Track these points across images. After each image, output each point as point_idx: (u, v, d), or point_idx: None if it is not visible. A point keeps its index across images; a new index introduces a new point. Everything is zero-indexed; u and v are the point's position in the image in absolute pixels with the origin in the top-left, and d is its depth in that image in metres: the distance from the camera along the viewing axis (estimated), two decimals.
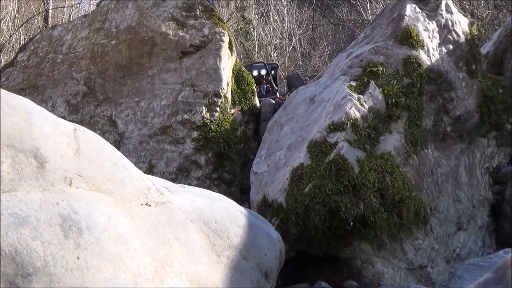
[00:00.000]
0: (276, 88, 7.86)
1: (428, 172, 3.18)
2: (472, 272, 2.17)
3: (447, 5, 3.59)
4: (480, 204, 3.53)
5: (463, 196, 3.41)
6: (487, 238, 3.48)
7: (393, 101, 3.08)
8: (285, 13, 16.32)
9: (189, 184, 3.30)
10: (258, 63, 8.95)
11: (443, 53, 3.42)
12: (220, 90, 3.79)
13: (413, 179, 3.00)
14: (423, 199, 2.97)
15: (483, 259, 2.35)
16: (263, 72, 7.58)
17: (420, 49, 3.27)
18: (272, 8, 16.33)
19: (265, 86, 7.41)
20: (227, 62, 3.98)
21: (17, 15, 10.88)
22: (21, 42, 10.03)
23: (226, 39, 3.98)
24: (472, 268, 2.21)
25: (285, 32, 15.93)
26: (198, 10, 4.10)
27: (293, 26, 16.01)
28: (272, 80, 7.77)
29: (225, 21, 4.42)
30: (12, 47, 10.26)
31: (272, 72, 7.96)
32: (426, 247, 2.97)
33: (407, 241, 2.88)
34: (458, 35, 3.54)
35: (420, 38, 3.30)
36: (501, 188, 3.72)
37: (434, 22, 3.46)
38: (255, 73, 7.36)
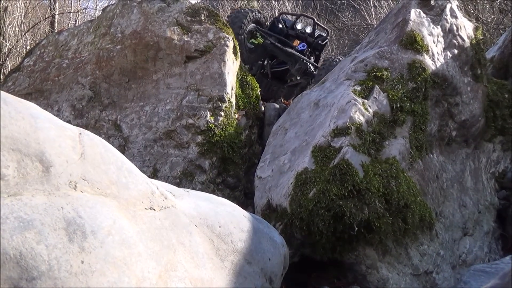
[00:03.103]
0: (313, 63, 6.33)
1: (433, 177, 3.17)
2: (478, 278, 2.15)
3: (451, 10, 3.58)
4: (486, 209, 3.50)
5: (468, 201, 3.39)
6: (493, 244, 3.45)
7: (398, 105, 3.07)
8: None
9: (193, 189, 3.31)
10: (308, 16, 7.64)
11: (448, 57, 3.41)
12: (225, 95, 3.80)
13: (418, 184, 2.99)
14: (428, 204, 2.95)
15: (489, 265, 2.33)
16: (308, 30, 6.69)
17: (424, 54, 3.26)
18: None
19: (305, 44, 6.52)
20: (232, 67, 3.99)
21: (23, 21, 10.99)
22: (28, 47, 10.12)
23: (230, 44, 3.99)
24: (478, 274, 2.19)
25: None
26: (202, 15, 4.11)
27: None
28: (314, 46, 6.70)
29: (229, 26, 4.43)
30: (19, 52, 10.35)
31: (318, 39, 6.82)
32: (432, 253, 2.95)
33: (412, 247, 2.87)
34: (463, 40, 3.53)
35: (425, 43, 3.29)
36: (507, 193, 3.69)
37: (438, 26, 3.45)
38: (299, 26, 6.67)
